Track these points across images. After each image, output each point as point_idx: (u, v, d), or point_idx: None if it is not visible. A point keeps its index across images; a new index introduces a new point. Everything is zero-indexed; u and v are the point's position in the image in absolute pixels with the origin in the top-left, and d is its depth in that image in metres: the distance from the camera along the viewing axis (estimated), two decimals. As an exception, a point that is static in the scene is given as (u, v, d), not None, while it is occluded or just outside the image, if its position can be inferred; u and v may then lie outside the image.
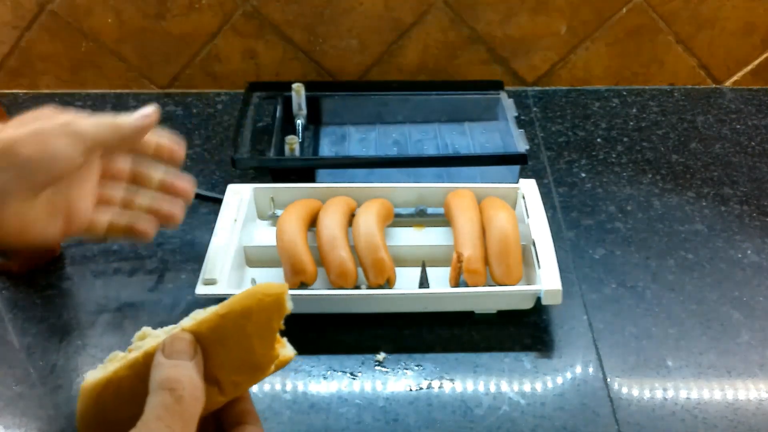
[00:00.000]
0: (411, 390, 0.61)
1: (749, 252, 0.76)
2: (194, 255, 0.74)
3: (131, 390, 0.39)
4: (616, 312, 0.69)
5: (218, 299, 0.44)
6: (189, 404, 0.37)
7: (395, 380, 0.62)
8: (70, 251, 0.75)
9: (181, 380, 0.37)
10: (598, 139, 0.94)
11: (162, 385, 0.37)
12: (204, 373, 0.39)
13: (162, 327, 0.43)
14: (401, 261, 0.71)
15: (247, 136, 0.87)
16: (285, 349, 0.43)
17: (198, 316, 0.41)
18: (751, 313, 0.68)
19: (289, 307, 0.41)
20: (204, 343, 0.39)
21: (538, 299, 0.65)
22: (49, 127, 0.48)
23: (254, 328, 0.40)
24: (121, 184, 0.58)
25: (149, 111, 0.53)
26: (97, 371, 0.41)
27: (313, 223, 0.72)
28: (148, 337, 0.42)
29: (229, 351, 0.40)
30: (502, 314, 0.68)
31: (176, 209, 0.59)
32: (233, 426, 0.42)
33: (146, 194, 0.59)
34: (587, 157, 0.91)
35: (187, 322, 0.41)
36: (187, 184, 0.60)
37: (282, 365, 0.42)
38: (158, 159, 0.58)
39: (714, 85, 1.06)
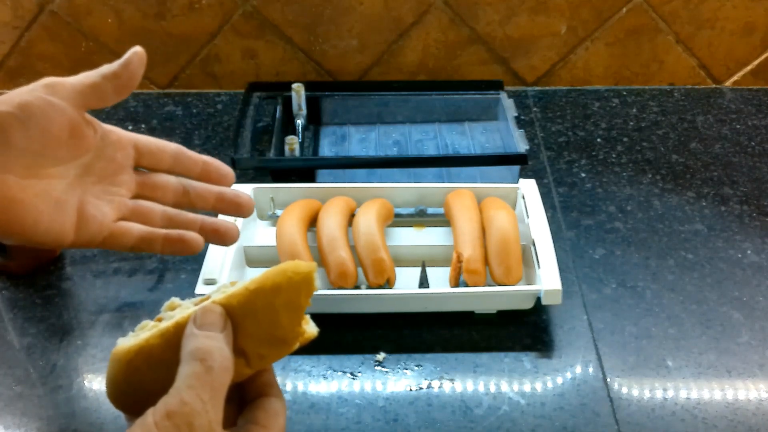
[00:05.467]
0: (411, 390, 0.61)
1: (749, 252, 0.76)
2: (194, 255, 0.74)
3: (162, 358, 0.40)
4: (616, 312, 0.69)
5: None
6: (219, 374, 0.38)
7: (395, 380, 0.62)
8: (70, 251, 0.75)
9: (212, 351, 0.38)
10: (598, 139, 0.94)
11: (193, 355, 0.38)
12: (232, 345, 0.40)
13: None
14: (401, 261, 0.71)
15: (247, 136, 0.87)
16: (309, 326, 0.44)
17: (227, 289, 0.42)
18: (751, 313, 0.68)
19: (317, 285, 0.42)
20: (233, 316, 0.41)
21: (538, 299, 0.65)
22: (27, 88, 0.47)
23: (282, 304, 0.41)
24: (164, 202, 0.55)
25: (135, 49, 0.50)
26: (128, 339, 0.42)
27: (313, 223, 0.72)
28: (178, 308, 0.43)
29: (257, 325, 0.41)
30: (502, 314, 0.68)
31: (233, 225, 0.57)
32: (256, 397, 0.43)
33: (195, 212, 0.56)
34: (587, 157, 0.91)
35: (217, 295, 0.42)
36: (248, 197, 0.57)
37: (306, 342, 0.43)
38: (206, 180, 0.56)
39: (714, 85, 1.06)
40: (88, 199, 0.51)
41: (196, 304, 0.42)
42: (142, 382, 0.41)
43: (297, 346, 0.43)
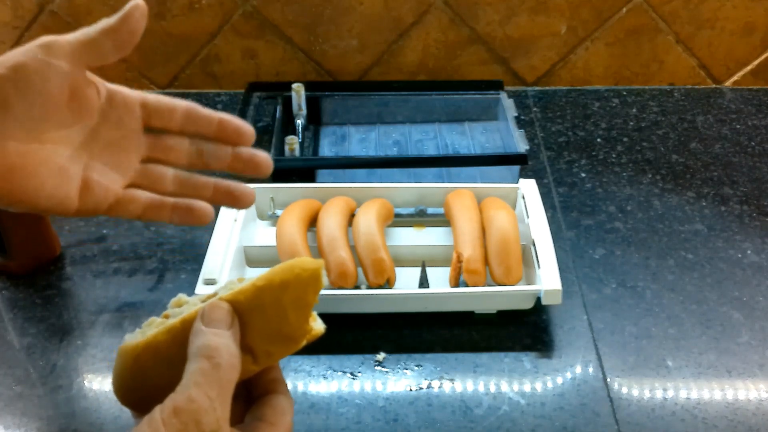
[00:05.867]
0: (411, 390, 0.61)
1: (749, 252, 0.76)
2: (194, 255, 0.74)
3: (168, 354, 0.40)
4: (616, 312, 0.69)
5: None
6: (226, 372, 0.38)
7: (395, 380, 0.62)
8: (70, 251, 0.75)
9: (219, 348, 0.38)
10: (598, 139, 0.94)
11: (200, 353, 0.38)
12: (239, 342, 0.40)
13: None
14: (401, 261, 0.71)
15: (247, 136, 0.87)
16: (317, 323, 0.44)
17: (234, 286, 0.42)
18: (751, 313, 0.68)
19: (324, 282, 0.42)
20: (240, 312, 0.40)
21: (538, 299, 0.65)
22: (22, 49, 0.45)
23: (290, 301, 0.41)
24: (177, 165, 0.52)
25: (135, 1, 0.47)
26: (135, 335, 0.42)
27: (313, 223, 0.72)
28: (185, 304, 0.43)
29: (265, 322, 0.41)
30: (502, 314, 0.68)
31: (248, 187, 0.53)
32: (264, 394, 0.43)
33: (208, 175, 0.53)
34: (587, 157, 0.91)
35: (224, 291, 0.41)
36: (266, 156, 0.53)
37: (313, 339, 0.43)
38: (223, 140, 0.52)
39: (714, 85, 1.06)
40: (95, 165, 0.48)
41: (203, 301, 0.42)
42: (148, 379, 0.41)
43: (304, 343, 0.43)
